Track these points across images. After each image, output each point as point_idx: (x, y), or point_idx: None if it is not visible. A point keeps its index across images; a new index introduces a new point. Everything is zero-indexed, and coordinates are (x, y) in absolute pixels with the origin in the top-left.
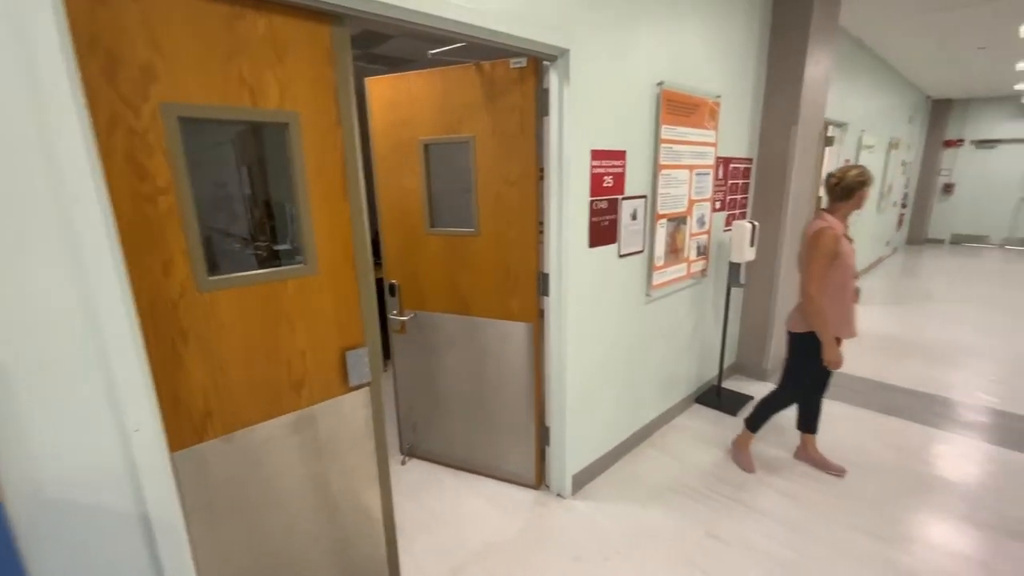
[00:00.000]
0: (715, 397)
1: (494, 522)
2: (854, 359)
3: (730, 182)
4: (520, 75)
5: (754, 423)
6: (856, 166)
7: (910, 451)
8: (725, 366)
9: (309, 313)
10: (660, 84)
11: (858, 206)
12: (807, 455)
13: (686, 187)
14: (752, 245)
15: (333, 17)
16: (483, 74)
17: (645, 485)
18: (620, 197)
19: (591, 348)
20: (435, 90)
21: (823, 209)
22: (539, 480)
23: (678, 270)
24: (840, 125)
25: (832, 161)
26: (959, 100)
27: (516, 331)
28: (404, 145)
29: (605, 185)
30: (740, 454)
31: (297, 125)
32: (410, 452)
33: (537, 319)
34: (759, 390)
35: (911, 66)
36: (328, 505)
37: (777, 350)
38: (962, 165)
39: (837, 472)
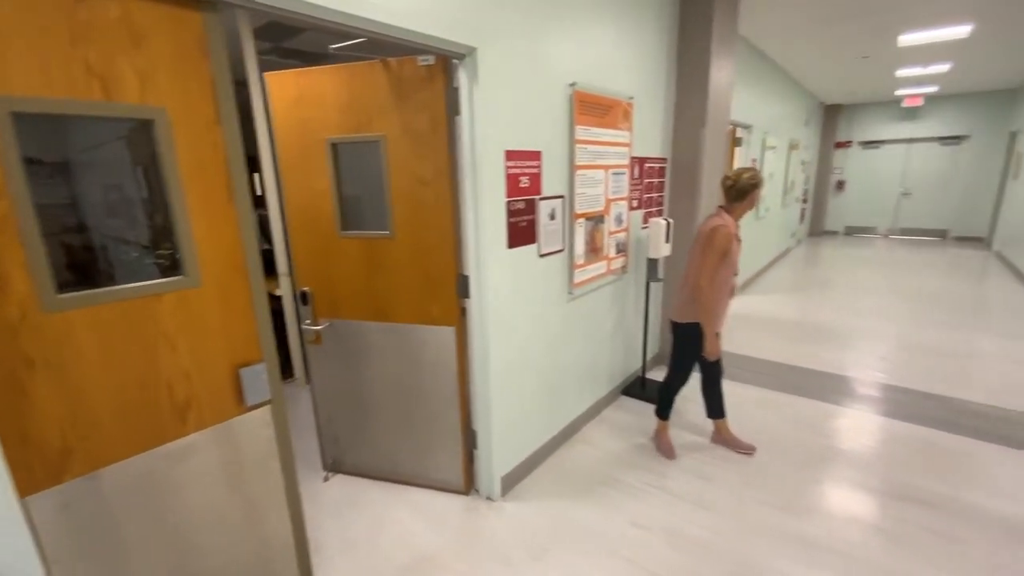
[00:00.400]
0: (640, 388)
1: (422, 533)
2: (761, 343)
3: (646, 181)
4: (429, 73)
5: (661, 411)
6: (748, 169)
7: (810, 426)
8: (648, 357)
9: (192, 329)
10: (572, 85)
11: (751, 206)
12: (721, 438)
13: (603, 186)
14: (667, 241)
15: (203, 3)
16: (391, 71)
17: (573, 480)
18: (537, 197)
19: (515, 348)
20: (341, 87)
21: (721, 207)
22: (468, 485)
23: (598, 267)
24: (746, 127)
25: (740, 160)
26: (848, 105)
27: (438, 336)
28: (311, 145)
29: (522, 185)
30: (660, 442)
31: (165, 122)
32: (334, 467)
33: (459, 322)
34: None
35: (805, 74)
36: (230, 535)
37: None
38: (852, 164)
39: (747, 450)
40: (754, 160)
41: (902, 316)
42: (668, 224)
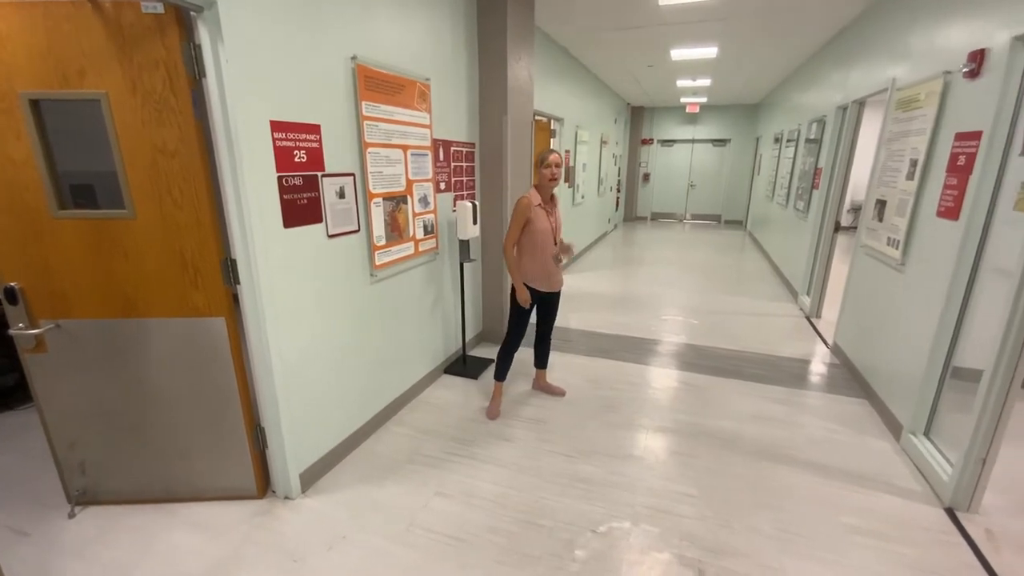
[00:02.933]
0: (462, 365)
1: (200, 550)
2: (577, 316)
3: (454, 164)
4: (159, 23)
5: (497, 372)
6: (548, 150)
7: (604, 383)
8: (472, 336)
9: None
10: (354, 58)
11: (549, 179)
12: (539, 385)
13: (402, 167)
14: (476, 223)
15: None
16: (104, 15)
17: (384, 463)
18: (320, 174)
19: (306, 336)
20: (33, 28)
21: (534, 184)
22: (263, 488)
23: (404, 248)
24: (559, 120)
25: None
26: (649, 107)
27: (206, 328)
28: None
29: (297, 160)
30: (492, 404)
31: None
32: (82, 499)
33: (230, 312)
34: None
35: (609, 76)
36: None
37: None
38: (654, 159)
39: (560, 393)
40: (567, 152)
41: (688, 284)
42: (474, 207)
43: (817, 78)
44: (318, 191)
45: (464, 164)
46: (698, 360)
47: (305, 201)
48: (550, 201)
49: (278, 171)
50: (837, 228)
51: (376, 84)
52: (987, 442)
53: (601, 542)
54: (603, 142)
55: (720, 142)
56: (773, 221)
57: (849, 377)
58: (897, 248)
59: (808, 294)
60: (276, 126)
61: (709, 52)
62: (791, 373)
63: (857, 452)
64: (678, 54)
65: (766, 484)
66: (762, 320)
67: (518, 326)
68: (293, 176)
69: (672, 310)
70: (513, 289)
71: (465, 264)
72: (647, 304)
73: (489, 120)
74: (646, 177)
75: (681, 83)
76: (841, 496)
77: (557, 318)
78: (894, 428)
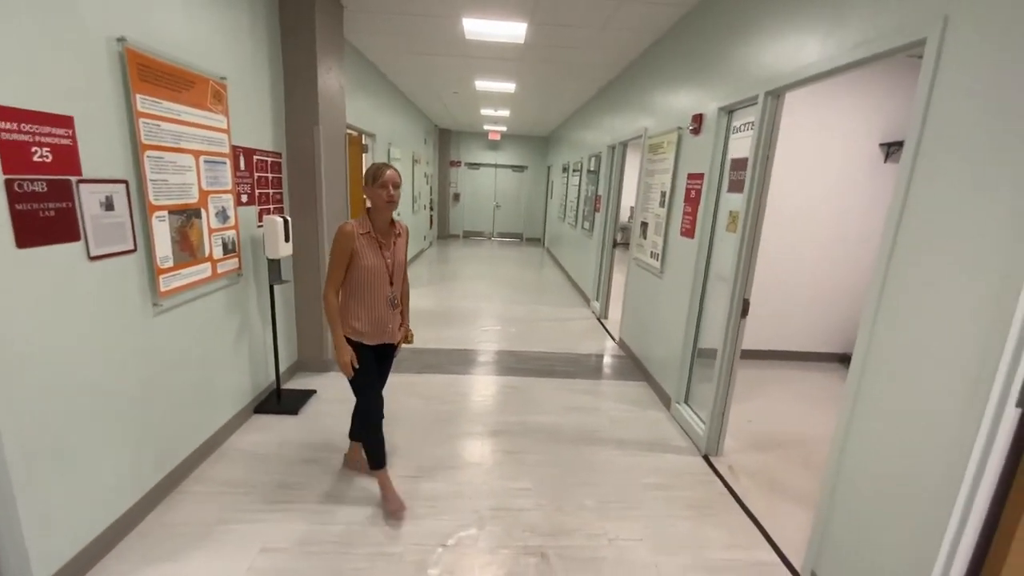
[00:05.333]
0: (276, 401)
1: None
2: None
3: (257, 175)
4: None
5: (372, 460)
6: (380, 165)
7: (436, 397)
8: (285, 367)
9: None
10: (122, 40)
11: (386, 202)
12: (353, 460)
13: (194, 175)
14: (288, 240)
15: None
16: None
17: (185, 532)
18: (75, 179)
19: (59, 387)
20: None
21: (367, 208)
22: None
23: (199, 271)
24: (371, 135)
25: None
26: (456, 131)
27: None
28: None
29: (39, 160)
30: (388, 497)
31: None
32: None
33: None
34: (324, 383)
35: (418, 97)
36: None
37: None
38: (463, 180)
39: (365, 471)
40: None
41: (501, 297)
42: (286, 222)
43: (593, 121)
44: (73, 200)
45: (270, 175)
46: (517, 364)
47: (52, 213)
48: (388, 230)
49: (5, 173)
50: (615, 244)
51: (156, 76)
52: (723, 401)
53: (452, 554)
54: (415, 161)
55: (519, 168)
56: (566, 239)
57: (633, 365)
58: (657, 260)
59: (598, 300)
60: (2, 113)
61: (508, 87)
62: (591, 367)
63: (644, 425)
64: (482, 85)
65: (585, 465)
66: (564, 324)
67: (366, 387)
68: (32, 180)
69: (490, 321)
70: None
71: (276, 286)
72: (467, 317)
73: (298, 129)
74: (456, 197)
75: (484, 111)
76: (638, 462)
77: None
78: (666, 401)
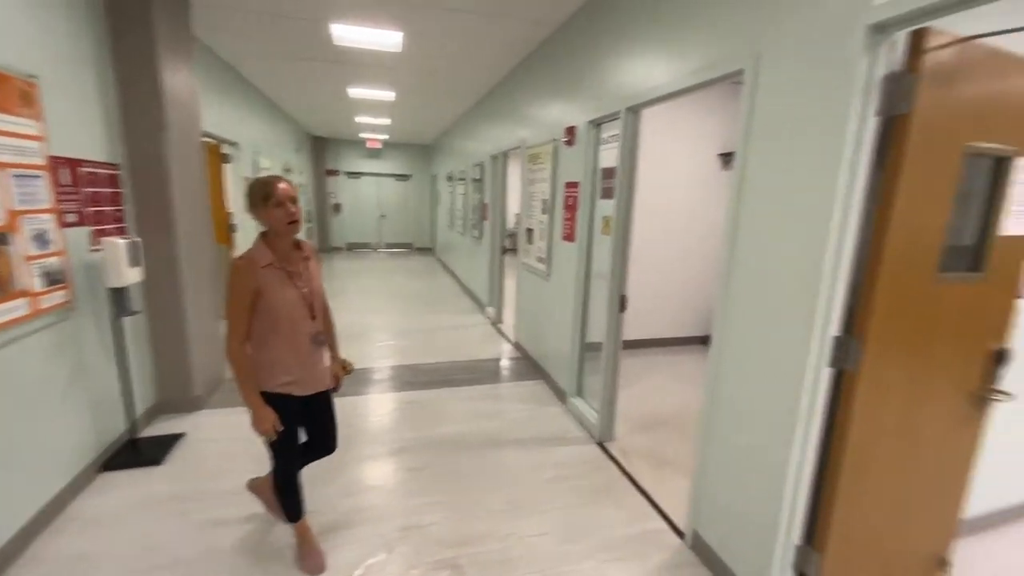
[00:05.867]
0: (132, 452)
1: None
2: None
3: (88, 190)
4: None
5: (289, 512)
6: (266, 179)
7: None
8: (145, 409)
9: None
10: None
11: (287, 223)
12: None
13: None
14: (136, 265)
15: None
16: None
17: None
18: None
19: None
20: None
21: (261, 234)
22: None
23: (10, 309)
24: (233, 144)
25: (231, 177)
26: (332, 139)
27: None
28: None
29: None
30: (306, 552)
31: None
32: None
33: None
34: (194, 423)
35: (287, 103)
36: None
37: (207, 371)
38: (343, 190)
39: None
40: (247, 178)
41: (394, 309)
42: (133, 244)
43: (474, 131)
44: None
45: (105, 190)
46: (415, 378)
47: None
48: (294, 255)
49: None
50: (504, 250)
51: None
52: (611, 390)
53: None
54: (287, 170)
55: (403, 176)
56: (456, 247)
57: (529, 366)
58: (544, 264)
59: (492, 305)
60: None
61: (388, 95)
62: (490, 372)
63: (543, 421)
64: (358, 92)
65: (491, 469)
66: (460, 332)
67: (284, 449)
68: None
69: (384, 336)
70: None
71: (124, 319)
72: (359, 334)
73: (139, 137)
74: (337, 207)
75: (362, 119)
76: (541, 459)
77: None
78: (561, 396)
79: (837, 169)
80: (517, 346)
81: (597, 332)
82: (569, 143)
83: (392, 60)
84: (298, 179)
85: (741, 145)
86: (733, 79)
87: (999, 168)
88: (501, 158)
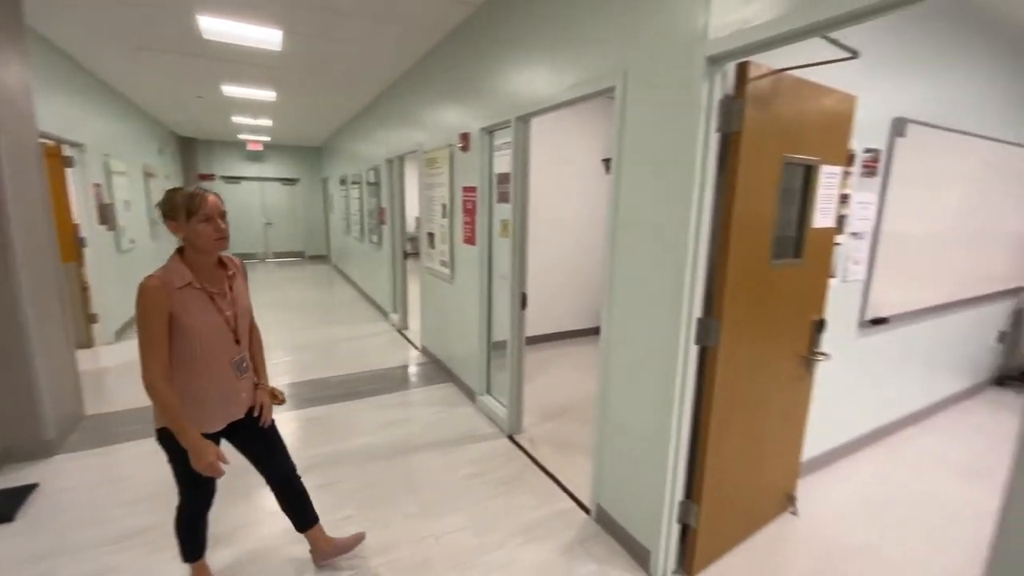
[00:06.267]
0: None
1: None
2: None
3: None
4: None
5: (186, 552)
6: (193, 191)
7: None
8: None
9: None
10: None
11: (214, 240)
12: (322, 551)
13: None
14: None
15: None
16: None
17: None
18: None
19: None
20: None
21: (177, 250)
22: None
23: None
24: (77, 145)
25: (76, 182)
26: (203, 140)
27: None
28: None
29: None
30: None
31: None
32: None
33: None
34: (51, 470)
35: (146, 100)
36: None
37: (62, 410)
38: (221, 196)
39: (357, 540)
40: (98, 185)
41: (290, 323)
42: None
43: (368, 133)
44: None
45: None
46: (316, 394)
47: None
48: (217, 274)
49: None
50: (405, 255)
51: None
52: (517, 385)
53: None
54: (148, 175)
55: (290, 180)
56: (354, 253)
57: (438, 369)
58: (447, 267)
59: (396, 312)
60: None
61: (268, 95)
62: (398, 379)
63: (454, 422)
64: (232, 91)
65: (404, 475)
66: (364, 341)
67: (194, 486)
68: None
69: (278, 352)
70: (168, 441)
71: None
72: None
73: None
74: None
75: (239, 119)
76: (454, 458)
77: (127, 398)
78: (471, 396)
79: (692, 176)
80: (424, 351)
81: (502, 331)
82: (464, 149)
83: (272, 59)
84: (164, 184)
85: (615, 154)
86: (608, 94)
87: (809, 174)
88: (397, 162)
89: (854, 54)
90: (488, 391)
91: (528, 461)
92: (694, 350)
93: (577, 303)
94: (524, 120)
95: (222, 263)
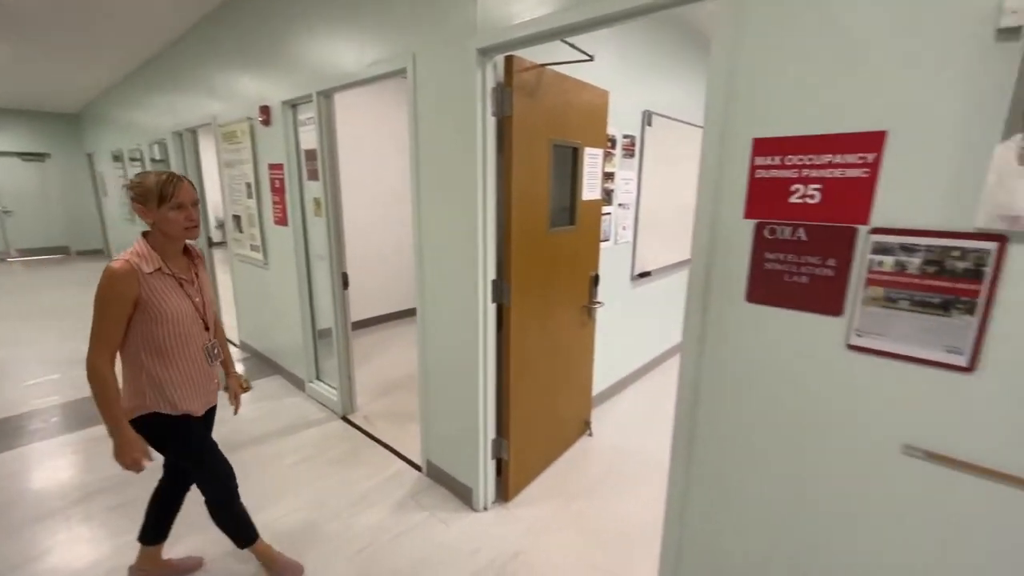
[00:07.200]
0: None
1: None
2: None
3: None
4: None
5: (246, 535)
6: (168, 176)
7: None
8: None
9: None
10: None
11: (185, 228)
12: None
13: None
14: None
15: None
16: None
17: None
18: None
19: None
20: None
21: (143, 234)
22: None
23: None
24: None
25: None
26: None
27: None
28: None
29: None
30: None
31: None
32: None
33: None
34: None
35: None
36: None
37: None
38: None
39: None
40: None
41: (47, 336)
42: None
43: (146, 100)
44: None
45: None
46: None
47: None
48: (184, 261)
49: None
50: (211, 244)
51: None
52: (347, 366)
53: None
54: None
55: (36, 156)
56: None
57: (261, 363)
58: (259, 252)
59: None
60: None
61: None
62: None
63: (282, 413)
64: None
65: None
66: None
67: (203, 455)
68: None
69: (40, 370)
70: (147, 430)
71: None
72: (8, 369)
73: None
74: None
75: None
76: (279, 448)
77: None
78: (300, 385)
79: (475, 154)
80: (243, 346)
81: (327, 317)
82: (266, 123)
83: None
84: None
85: (412, 133)
86: (402, 75)
87: (575, 156)
88: (189, 135)
89: (590, 57)
90: (318, 377)
91: (364, 437)
92: (492, 308)
93: (404, 284)
94: (326, 95)
95: (187, 250)
